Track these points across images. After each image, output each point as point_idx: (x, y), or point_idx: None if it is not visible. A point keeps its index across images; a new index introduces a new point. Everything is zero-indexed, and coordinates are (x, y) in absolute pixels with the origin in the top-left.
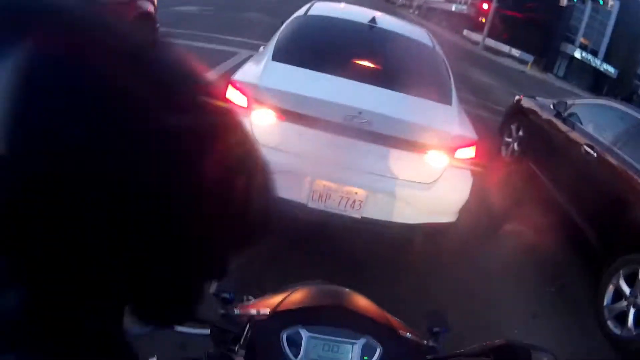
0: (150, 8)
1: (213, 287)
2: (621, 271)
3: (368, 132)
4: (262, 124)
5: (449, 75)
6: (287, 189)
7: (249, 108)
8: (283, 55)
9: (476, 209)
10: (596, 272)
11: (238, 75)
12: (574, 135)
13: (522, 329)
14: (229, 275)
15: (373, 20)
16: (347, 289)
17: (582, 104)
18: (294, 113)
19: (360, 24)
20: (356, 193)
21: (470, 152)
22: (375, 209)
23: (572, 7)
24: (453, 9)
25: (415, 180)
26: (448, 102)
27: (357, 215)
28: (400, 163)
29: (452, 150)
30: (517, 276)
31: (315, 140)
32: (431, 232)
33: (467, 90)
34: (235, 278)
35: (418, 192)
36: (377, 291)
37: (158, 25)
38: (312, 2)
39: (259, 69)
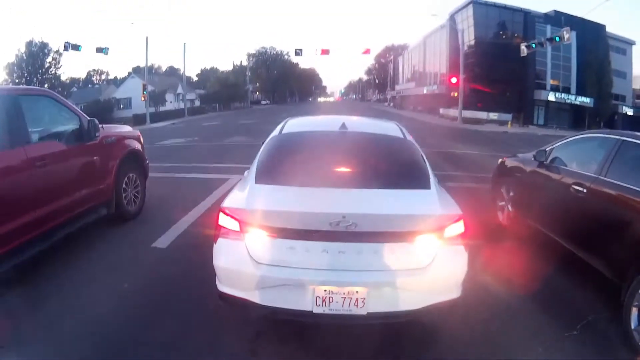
0: (138, 146)
1: None
2: (639, 291)
3: (356, 233)
4: (256, 244)
5: (424, 160)
6: (291, 300)
7: (242, 231)
8: (264, 177)
9: (483, 278)
10: (616, 300)
11: (227, 202)
12: (560, 178)
13: None
14: None
15: (343, 126)
16: None
17: (560, 145)
18: (283, 229)
19: (332, 133)
20: (357, 292)
21: (459, 228)
22: (378, 303)
23: (534, 54)
24: (425, 91)
25: (411, 267)
26: (427, 186)
27: (362, 312)
28: (393, 254)
29: (441, 230)
30: (537, 328)
31: (309, 250)
32: (438, 312)
33: (454, 167)
34: None
35: (417, 278)
36: None
37: (147, 161)
38: (285, 120)
39: (244, 194)
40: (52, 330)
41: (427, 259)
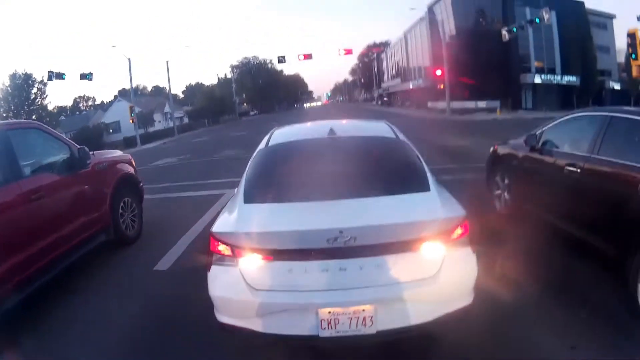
0: (130, 169)
1: None
2: None
3: (356, 248)
4: (251, 269)
5: (420, 160)
6: (295, 326)
7: (235, 256)
8: (253, 195)
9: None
10: (621, 278)
11: (216, 227)
12: (554, 161)
13: None
14: None
15: (331, 131)
16: None
17: (550, 127)
18: (278, 251)
19: (320, 140)
20: (363, 310)
21: (464, 229)
22: (387, 320)
23: (516, 38)
24: (411, 86)
25: (418, 277)
26: (425, 188)
27: (371, 331)
28: (398, 266)
29: (445, 234)
30: (544, 312)
31: (308, 271)
32: (451, 321)
33: (448, 159)
34: None
35: (425, 289)
36: None
37: (141, 183)
38: (272, 131)
39: (234, 216)
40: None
41: (435, 267)
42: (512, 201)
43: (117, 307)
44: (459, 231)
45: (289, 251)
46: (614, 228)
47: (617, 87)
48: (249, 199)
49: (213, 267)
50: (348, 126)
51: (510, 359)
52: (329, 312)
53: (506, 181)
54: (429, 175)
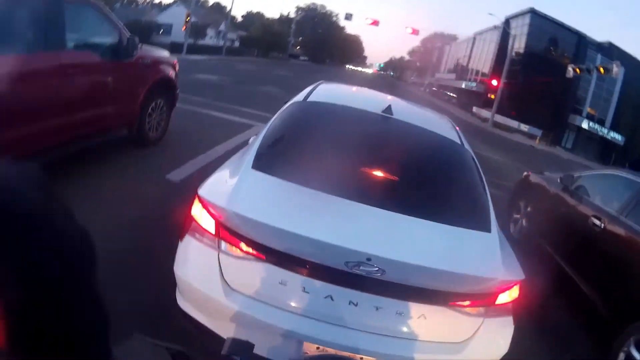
0: (172, 73)
1: (225, 347)
2: (631, 338)
3: (379, 282)
4: (233, 262)
5: (484, 186)
6: (270, 349)
7: (218, 237)
8: (267, 161)
9: None
10: (606, 341)
11: (205, 189)
12: (581, 207)
13: None
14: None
15: (388, 109)
16: None
17: (589, 175)
18: (276, 252)
19: (372, 115)
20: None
21: (513, 293)
22: None
23: (579, 78)
24: (463, 86)
25: (443, 340)
26: (486, 227)
27: None
28: (424, 321)
29: (493, 298)
30: (526, 354)
31: (307, 291)
32: None
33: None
34: (249, 341)
35: (446, 356)
36: None
37: (178, 91)
38: (317, 83)
39: (231, 183)
40: None
41: (467, 333)
42: (527, 229)
43: (116, 202)
44: (508, 294)
45: (290, 257)
46: (618, 293)
47: None
48: (259, 164)
49: (187, 238)
50: (408, 110)
51: None
52: (318, 349)
53: (529, 209)
54: (492, 210)
